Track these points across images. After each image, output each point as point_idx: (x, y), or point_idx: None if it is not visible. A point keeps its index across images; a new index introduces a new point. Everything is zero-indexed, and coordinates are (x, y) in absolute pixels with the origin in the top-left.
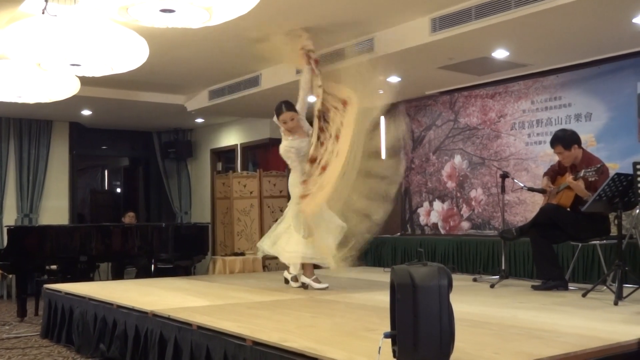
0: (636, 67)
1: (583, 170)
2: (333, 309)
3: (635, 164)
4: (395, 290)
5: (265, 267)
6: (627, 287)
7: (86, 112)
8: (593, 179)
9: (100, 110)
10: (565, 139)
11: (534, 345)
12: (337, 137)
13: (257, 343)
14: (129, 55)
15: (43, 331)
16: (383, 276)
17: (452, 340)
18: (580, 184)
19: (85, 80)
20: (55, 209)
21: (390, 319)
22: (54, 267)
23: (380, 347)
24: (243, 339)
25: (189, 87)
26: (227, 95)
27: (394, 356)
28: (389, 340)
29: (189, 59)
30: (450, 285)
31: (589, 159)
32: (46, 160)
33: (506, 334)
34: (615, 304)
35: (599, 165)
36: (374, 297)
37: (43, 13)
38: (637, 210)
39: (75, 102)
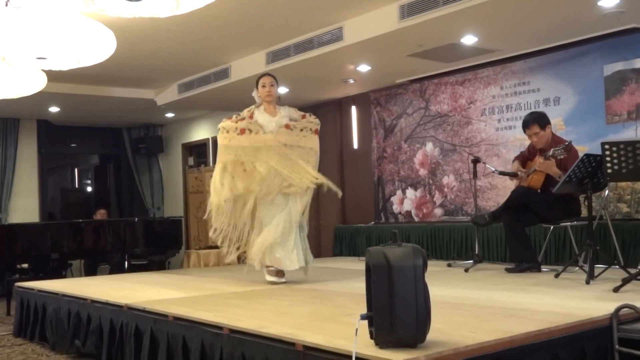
0: (602, 50)
1: (552, 150)
2: (310, 297)
3: (603, 144)
4: (370, 271)
5: (240, 260)
6: (599, 267)
7: (54, 109)
8: (562, 156)
9: (68, 107)
10: (539, 119)
11: (509, 323)
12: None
13: (234, 331)
14: (96, 48)
15: (16, 329)
16: (358, 265)
17: (428, 319)
18: (550, 164)
19: (52, 76)
20: (25, 209)
21: (367, 300)
22: (25, 265)
23: (357, 329)
24: (220, 328)
25: (158, 81)
26: (197, 88)
27: (371, 337)
28: (366, 322)
29: (157, 51)
30: (425, 265)
31: (557, 141)
32: (14, 160)
33: (482, 314)
34: (587, 282)
35: (566, 143)
36: (350, 285)
37: (6, 5)
38: (607, 192)
39: (42, 98)
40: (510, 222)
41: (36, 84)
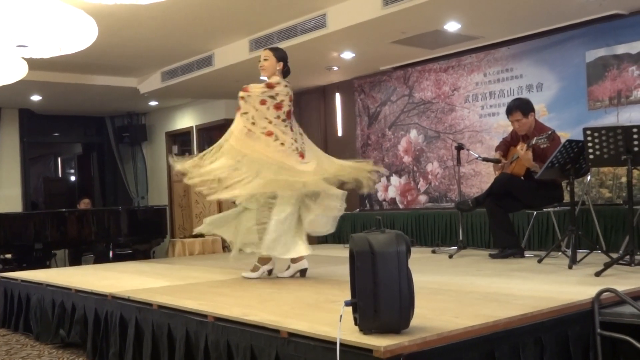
0: (584, 37)
1: (535, 138)
2: (294, 284)
3: (585, 130)
4: (354, 258)
5: (225, 248)
6: (581, 252)
7: (36, 98)
8: (545, 145)
9: (50, 96)
10: (522, 106)
11: (492, 308)
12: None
13: (218, 319)
14: (77, 35)
15: None
16: (343, 252)
17: (412, 305)
18: (529, 154)
19: (33, 64)
20: (7, 198)
21: (351, 287)
22: (8, 256)
23: (341, 316)
24: (205, 316)
25: (141, 69)
26: (180, 76)
27: (356, 324)
28: (350, 308)
29: (140, 39)
30: (408, 251)
31: (540, 129)
32: None
33: (465, 299)
34: (570, 267)
35: (549, 132)
36: (335, 272)
37: None
38: (589, 177)
39: (24, 87)
40: (494, 208)
41: (17, 72)
